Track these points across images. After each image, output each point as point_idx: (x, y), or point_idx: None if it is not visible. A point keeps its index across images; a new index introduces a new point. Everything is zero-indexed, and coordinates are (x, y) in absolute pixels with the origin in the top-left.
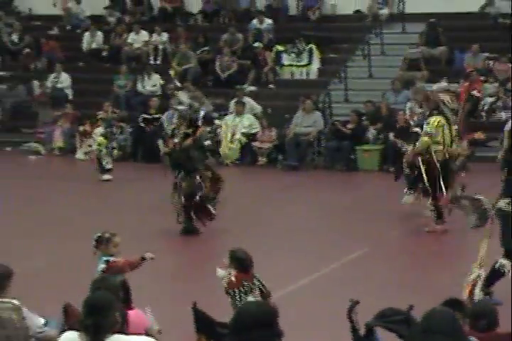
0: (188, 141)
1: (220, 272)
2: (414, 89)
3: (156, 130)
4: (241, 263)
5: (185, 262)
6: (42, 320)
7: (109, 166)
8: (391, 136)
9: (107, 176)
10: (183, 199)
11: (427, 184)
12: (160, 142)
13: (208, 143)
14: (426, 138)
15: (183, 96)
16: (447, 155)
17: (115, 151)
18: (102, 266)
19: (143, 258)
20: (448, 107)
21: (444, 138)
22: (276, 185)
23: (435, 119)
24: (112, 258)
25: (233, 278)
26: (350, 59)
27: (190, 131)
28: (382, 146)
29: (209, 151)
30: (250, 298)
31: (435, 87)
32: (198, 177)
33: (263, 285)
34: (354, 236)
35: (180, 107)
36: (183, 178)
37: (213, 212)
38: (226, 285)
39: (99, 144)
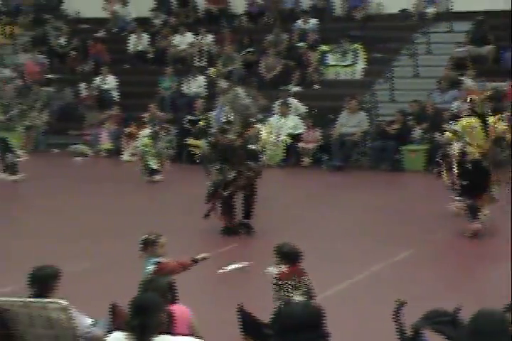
0: (239, 140)
1: (271, 270)
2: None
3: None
4: (288, 256)
5: (230, 262)
6: (89, 320)
7: (155, 166)
8: (437, 135)
9: (158, 177)
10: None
11: (461, 183)
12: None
13: (253, 147)
14: (449, 134)
15: (241, 93)
16: (479, 156)
17: (165, 151)
18: (152, 267)
19: (195, 261)
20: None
21: (474, 140)
22: (321, 185)
23: (466, 120)
24: (161, 260)
25: (285, 271)
26: (395, 58)
27: (242, 130)
28: (427, 146)
29: (250, 155)
30: (296, 295)
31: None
32: (233, 174)
33: (310, 284)
34: (399, 238)
35: (235, 104)
36: (219, 170)
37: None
38: (277, 276)
39: (145, 145)
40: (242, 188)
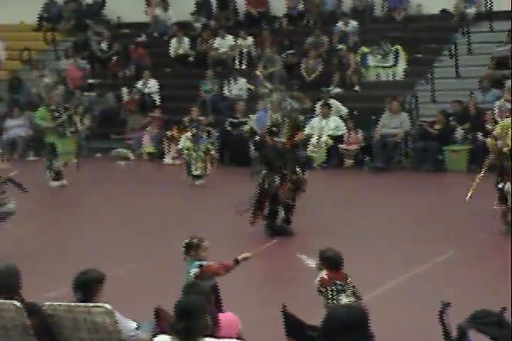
0: (289, 144)
1: (311, 262)
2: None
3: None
4: (331, 262)
5: (272, 264)
6: (134, 324)
7: (197, 172)
8: (479, 135)
9: (199, 181)
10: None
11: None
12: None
13: (303, 153)
14: (489, 140)
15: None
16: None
17: (208, 154)
18: (195, 270)
19: (237, 262)
20: None
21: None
22: (363, 186)
23: (502, 122)
24: (205, 263)
25: (325, 276)
26: (436, 59)
27: (291, 133)
28: (470, 146)
29: (298, 161)
30: (343, 298)
31: None
32: (277, 179)
33: (354, 287)
34: (442, 238)
35: (284, 107)
36: (265, 175)
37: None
38: (318, 283)
39: (188, 149)
40: (287, 196)
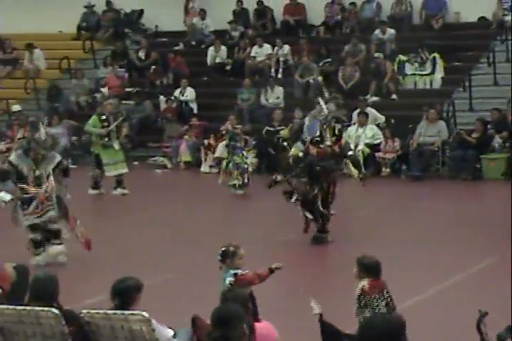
0: (329, 150)
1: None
2: None
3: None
4: (369, 269)
5: (308, 273)
6: (171, 332)
7: (234, 182)
8: None
9: (239, 191)
10: (294, 198)
11: None
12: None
13: (350, 153)
14: None
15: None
16: None
17: (244, 164)
18: (230, 279)
19: (271, 271)
20: None
21: None
22: (400, 195)
23: None
24: (240, 271)
25: (366, 286)
26: (474, 67)
27: (333, 139)
28: (508, 155)
29: (352, 163)
30: (381, 307)
31: None
32: (316, 190)
33: (390, 297)
34: (480, 247)
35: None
36: (304, 183)
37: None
38: (359, 292)
39: (223, 158)
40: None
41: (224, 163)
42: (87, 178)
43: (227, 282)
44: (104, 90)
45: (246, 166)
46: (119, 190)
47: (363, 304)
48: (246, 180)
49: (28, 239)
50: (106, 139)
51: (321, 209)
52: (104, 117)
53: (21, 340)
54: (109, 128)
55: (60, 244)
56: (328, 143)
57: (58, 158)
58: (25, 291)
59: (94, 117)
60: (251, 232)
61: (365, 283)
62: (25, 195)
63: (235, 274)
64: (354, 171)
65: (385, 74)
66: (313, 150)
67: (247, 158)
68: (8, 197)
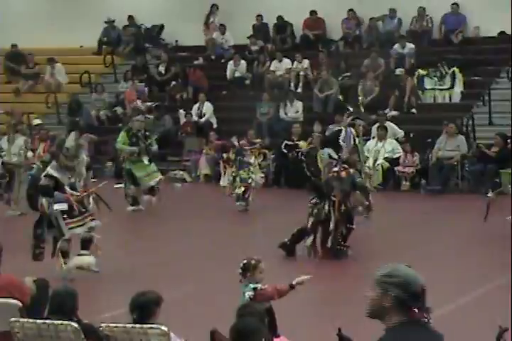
0: (343, 173)
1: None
2: None
3: (297, 156)
4: None
5: (327, 287)
6: None
7: (236, 190)
8: None
9: (240, 206)
10: (310, 222)
11: None
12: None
13: (359, 180)
14: None
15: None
16: None
17: (249, 182)
18: (250, 293)
19: (292, 287)
20: None
21: None
22: (419, 209)
23: None
24: (259, 286)
25: None
26: (494, 81)
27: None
28: None
29: (360, 189)
30: None
31: None
32: (327, 207)
33: None
34: (501, 262)
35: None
36: (315, 204)
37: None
38: None
39: (230, 173)
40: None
41: (231, 177)
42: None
43: (247, 296)
44: (137, 103)
45: (250, 181)
46: (147, 197)
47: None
48: (247, 195)
49: (56, 248)
50: (135, 155)
51: (331, 226)
52: (132, 133)
53: None
54: (141, 146)
55: (88, 254)
56: (335, 168)
57: (85, 161)
58: (45, 305)
59: (123, 134)
60: (270, 246)
61: None
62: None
63: (255, 289)
64: (361, 200)
65: (405, 88)
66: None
67: (252, 173)
68: (64, 205)
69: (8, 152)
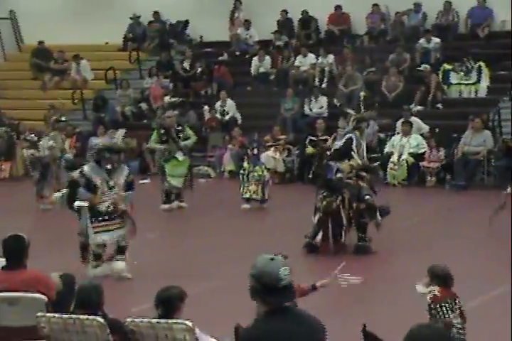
0: (351, 181)
1: (420, 288)
2: None
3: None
4: (440, 279)
5: (355, 284)
6: None
7: (245, 195)
8: None
9: (245, 205)
10: (318, 215)
11: None
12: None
13: (367, 198)
14: None
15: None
16: None
17: (265, 179)
18: None
19: (314, 288)
20: None
21: None
22: (445, 205)
23: None
24: None
25: (438, 293)
26: None
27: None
28: None
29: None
30: (452, 317)
31: None
32: (338, 200)
33: (462, 307)
34: None
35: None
36: (324, 197)
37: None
38: (430, 300)
39: (244, 169)
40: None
41: (243, 173)
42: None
43: None
44: (166, 98)
45: (266, 179)
46: (176, 203)
47: (435, 312)
48: (266, 196)
49: (87, 251)
50: (166, 153)
51: (344, 221)
52: (163, 131)
53: None
54: (171, 143)
55: (123, 260)
56: (342, 174)
57: (127, 170)
58: (71, 300)
59: (154, 132)
60: (296, 242)
61: (436, 290)
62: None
63: None
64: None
65: (430, 83)
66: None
67: (265, 174)
68: (84, 204)
69: (42, 147)
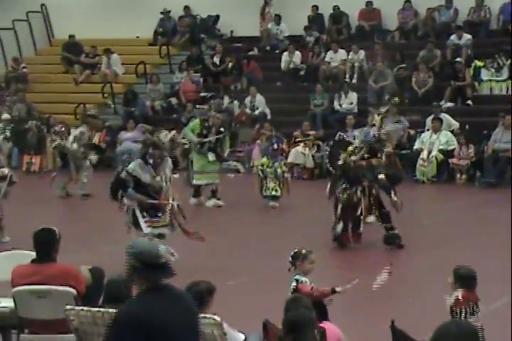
0: (363, 163)
1: (448, 301)
2: None
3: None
4: (464, 281)
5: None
6: (242, 336)
7: (265, 193)
8: None
9: (272, 203)
10: (339, 209)
11: None
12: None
13: (381, 177)
14: None
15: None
16: None
17: (284, 175)
18: (294, 284)
19: (334, 291)
20: None
21: None
22: (474, 202)
23: None
24: (303, 279)
25: (460, 297)
26: None
27: (367, 155)
28: None
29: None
30: (473, 320)
31: None
32: (358, 192)
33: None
34: None
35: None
36: (344, 189)
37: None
38: (452, 303)
39: (262, 165)
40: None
41: (262, 169)
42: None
43: (291, 287)
44: (217, 101)
45: (286, 175)
46: (213, 201)
47: (455, 315)
48: (279, 192)
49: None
50: (199, 146)
51: (364, 212)
52: (207, 124)
53: None
54: (205, 140)
55: None
56: (353, 157)
57: (170, 163)
58: (100, 293)
59: (196, 121)
60: (318, 237)
61: (459, 293)
62: (149, 201)
63: (297, 280)
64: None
65: (463, 79)
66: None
67: (285, 169)
68: (133, 204)
69: (69, 139)
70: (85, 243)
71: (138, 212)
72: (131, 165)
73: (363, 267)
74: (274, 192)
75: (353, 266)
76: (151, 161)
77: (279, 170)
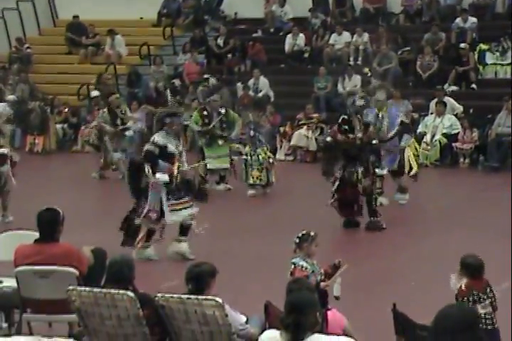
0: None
1: (452, 284)
2: None
3: None
4: (468, 270)
5: (383, 264)
6: (244, 318)
7: (248, 181)
8: None
9: (251, 192)
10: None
11: None
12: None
13: (374, 142)
14: None
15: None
16: None
17: (270, 161)
18: (291, 267)
19: (317, 286)
20: None
21: None
22: (477, 186)
23: None
24: (300, 263)
25: (463, 286)
26: None
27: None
28: None
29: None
30: (479, 309)
31: None
32: (360, 170)
33: (494, 297)
34: None
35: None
36: (344, 166)
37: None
38: (456, 292)
39: (246, 154)
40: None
41: (245, 158)
42: None
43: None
44: (212, 80)
45: (271, 161)
46: (223, 186)
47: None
48: (272, 179)
49: (140, 229)
50: (207, 136)
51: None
52: (206, 113)
53: (97, 322)
54: (209, 127)
55: (186, 241)
56: (359, 135)
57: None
58: (102, 274)
59: (195, 113)
60: (327, 220)
61: (463, 283)
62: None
63: (294, 264)
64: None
65: (467, 63)
66: (340, 137)
67: (270, 155)
68: (165, 177)
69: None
70: (91, 224)
71: (164, 199)
72: (156, 137)
73: (365, 251)
74: (258, 181)
75: (356, 248)
76: (171, 130)
77: (260, 157)
